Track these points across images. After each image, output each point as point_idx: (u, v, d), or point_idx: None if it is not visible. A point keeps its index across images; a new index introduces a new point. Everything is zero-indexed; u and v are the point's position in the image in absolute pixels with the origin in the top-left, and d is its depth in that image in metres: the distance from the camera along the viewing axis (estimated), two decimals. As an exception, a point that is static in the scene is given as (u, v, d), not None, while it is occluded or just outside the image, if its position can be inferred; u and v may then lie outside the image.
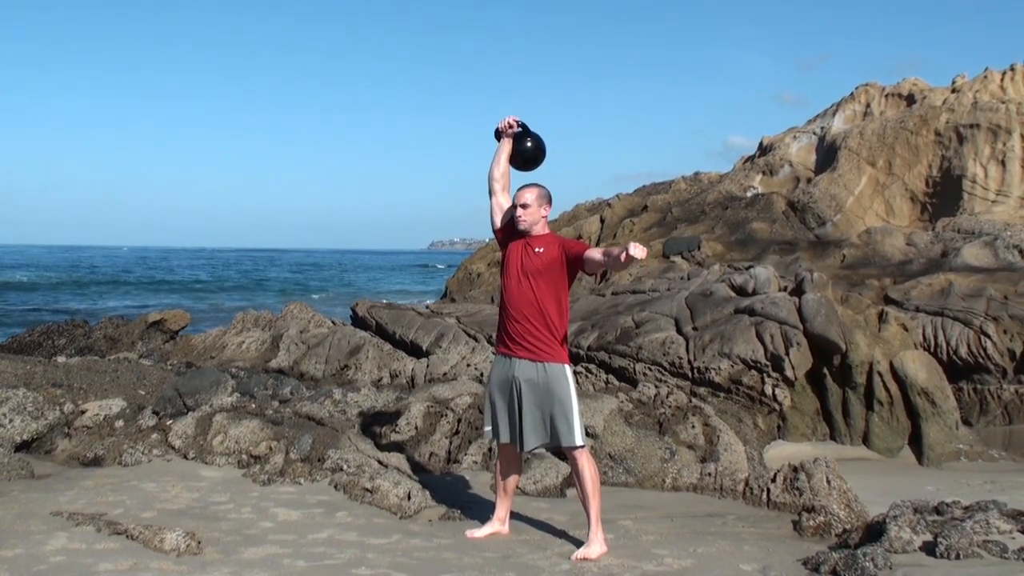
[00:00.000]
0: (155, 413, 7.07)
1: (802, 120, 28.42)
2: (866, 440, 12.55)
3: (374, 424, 7.17)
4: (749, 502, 5.94)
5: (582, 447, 4.63)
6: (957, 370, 14.18)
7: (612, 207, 26.91)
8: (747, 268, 15.97)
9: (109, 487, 5.55)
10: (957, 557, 4.05)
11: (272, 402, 7.61)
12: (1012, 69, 24.72)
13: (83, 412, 7.21)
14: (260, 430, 6.37)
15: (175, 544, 4.34)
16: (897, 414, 12.53)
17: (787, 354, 12.31)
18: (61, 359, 10.52)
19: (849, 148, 24.01)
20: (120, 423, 7.03)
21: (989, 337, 14.17)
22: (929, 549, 4.20)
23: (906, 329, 13.76)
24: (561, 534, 4.98)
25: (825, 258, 20.32)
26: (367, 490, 5.57)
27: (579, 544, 4.66)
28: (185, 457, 6.25)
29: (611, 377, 13.17)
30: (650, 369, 12.96)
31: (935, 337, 14.62)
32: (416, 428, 7.07)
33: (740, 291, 14.59)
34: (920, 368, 12.69)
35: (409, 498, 5.49)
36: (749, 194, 25.27)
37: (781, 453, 11.46)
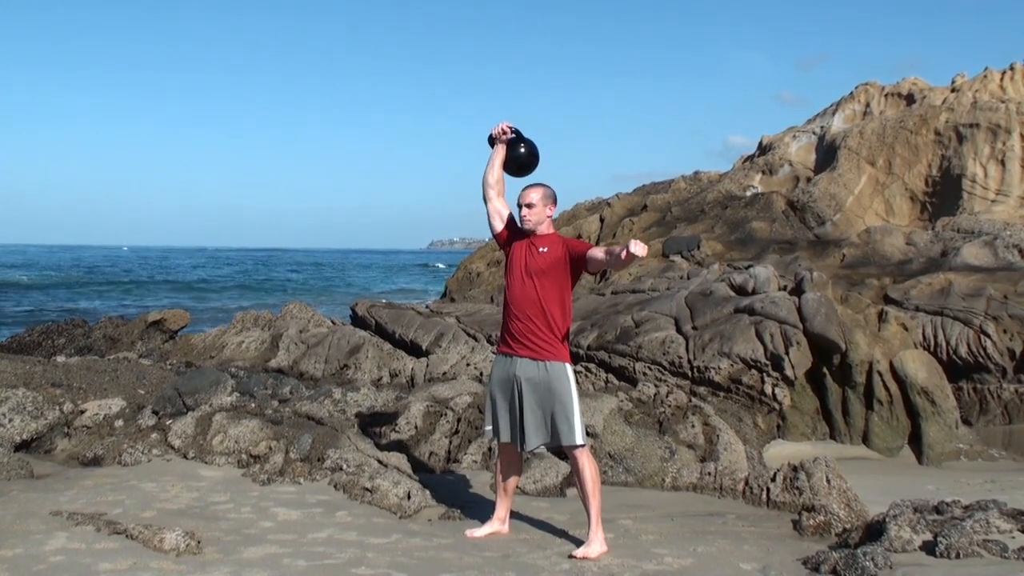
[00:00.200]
0: (155, 413, 7.07)
1: (802, 120, 28.44)
2: (866, 439, 12.55)
3: (374, 424, 7.17)
4: (749, 501, 5.94)
5: (582, 446, 4.63)
6: (957, 369, 14.17)
7: (612, 206, 26.91)
8: (747, 267, 15.97)
9: (109, 487, 5.55)
10: (957, 556, 4.05)
11: (272, 402, 7.60)
12: (1012, 69, 24.73)
13: (83, 412, 7.20)
14: (260, 430, 6.37)
15: (175, 544, 4.34)
16: (897, 413, 12.53)
17: (787, 353, 12.31)
18: (61, 359, 10.52)
19: (849, 147, 24.01)
20: (120, 423, 7.03)
21: (989, 336, 14.17)
22: (929, 548, 4.20)
23: (906, 328, 13.76)
24: (561, 533, 4.98)
25: (825, 257, 20.32)
26: (367, 490, 5.57)
27: (579, 543, 4.66)
28: (185, 457, 6.24)
29: (611, 376, 13.17)
30: (650, 368, 12.96)
31: (935, 336, 14.61)
32: (416, 427, 7.07)
33: (740, 290, 14.59)
34: (920, 367, 12.69)
35: (409, 498, 5.49)
36: (749, 193, 25.27)
37: (781, 452, 11.46)
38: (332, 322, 16.99)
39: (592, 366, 13.53)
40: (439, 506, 5.53)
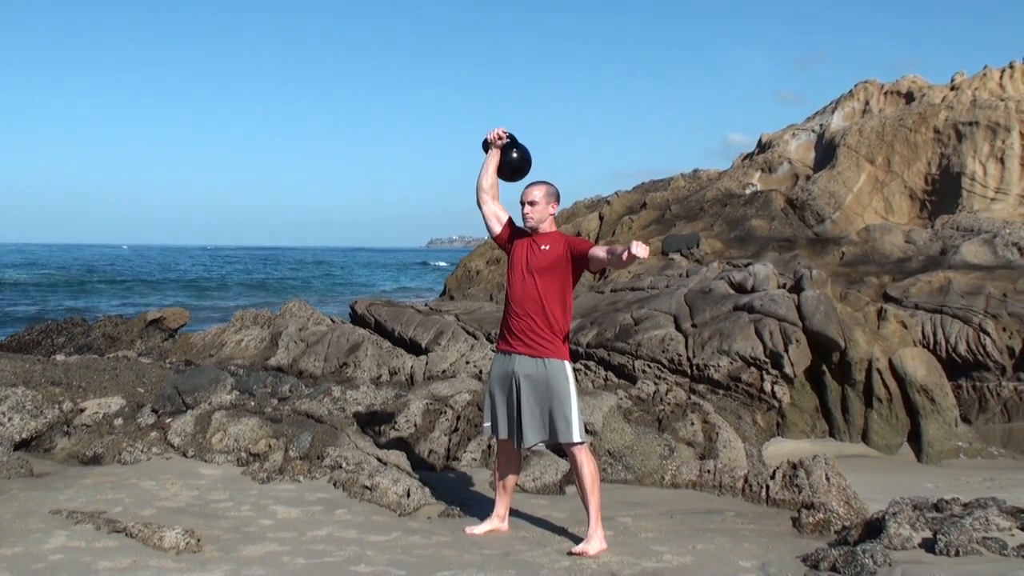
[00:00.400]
0: (154, 411, 7.07)
1: (801, 118, 28.44)
2: (865, 437, 12.56)
3: (373, 421, 7.17)
4: (748, 499, 5.94)
5: (581, 444, 4.63)
6: (956, 367, 14.17)
7: (611, 204, 26.90)
8: (746, 265, 15.97)
9: (108, 485, 5.55)
10: (956, 554, 4.05)
11: (271, 400, 7.60)
12: (1011, 67, 24.72)
13: (82, 410, 7.21)
14: (259, 428, 6.37)
15: (174, 542, 4.34)
16: (896, 411, 12.54)
17: (786, 351, 12.32)
18: (60, 357, 10.52)
19: (848, 145, 24.00)
20: (119, 421, 7.03)
21: (988, 334, 14.18)
22: (928, 546, 4.21)
23: (905, 326, 13.77)
24: (560, 531, 4.98)
25: (824, 255, 20.32)
26: (366, 487, 5.57)
27: (579, 541, 4.66)
28: (184, 455, 6.25)
29: (610, 374, 13.17)
30: (649, 366, 12.96)
31: (934, 334, 14.61)
32: (415, 425, 7.07)
33: (739, 288, 14.59)
34: (919, 365, 12.69)
35: (408, 495, 5.49)
36: (748, 191, 25.26)
37: (780, 450, 11.47)
38: (331, 320, 16.99)
39: (591, 364, 13.54)
40: (438, 504, 5.53)
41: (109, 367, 9.11)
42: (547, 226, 4.83)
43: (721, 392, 12.35)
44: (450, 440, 6.99)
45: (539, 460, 6.34)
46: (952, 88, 24.89)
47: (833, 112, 26.78)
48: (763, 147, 27.66)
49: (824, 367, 12.73)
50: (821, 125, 26.53)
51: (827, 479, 5.62)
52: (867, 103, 26.54)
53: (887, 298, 16.18)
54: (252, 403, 7.19)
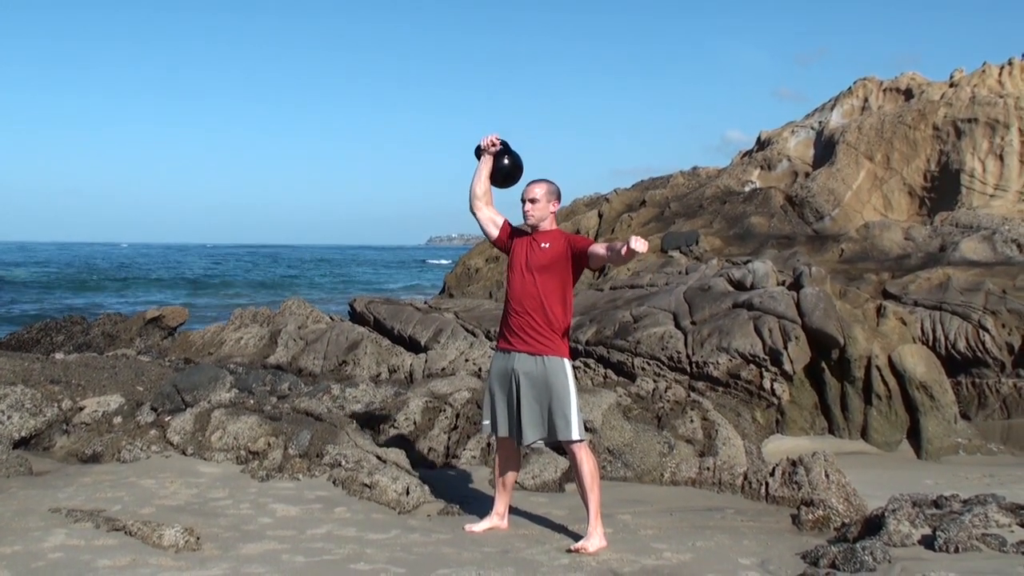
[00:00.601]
0: (153, 409, 7.06)
1: (800, 115, 28.42)
2: (864, 434, 12.57)
3: (373, 419, 7.17)
4: (748, 496, 5.94)
5: (581, 441, 4.63)
6: (955, 364, 14.18)
7: (610, 202, 26.89)
8: (745, 262, 15.97)
9: (107, 483, 5.55)
10: (956, 550, 4.05)
11: (270, 398, 7.60)
12: (1010, 63, 24.70)
13: (81, 409, 7.20)
14: (258, 426, 6.37)
15: (174, 540, 4.34)
16: (895, 408, 12.54)
17: (785, 348, 12.32)
18: (59, 356, 10.51)
19: (847, 142, 23.98)
20: (118, 419, 7.02)
21: (987, 331, 14.18)
22: (928, 542, 4.21)
23: (904, 323, 13.77)
24: (560, 529, 4.98)
25: (823, 252, 20.31)
26: (366, 485, 5.57)
27: (578, 538, 4.66)
28: (183, 453, 6.24)
29: (609, 372, 13.17)
30: (648, 363, 12.96)
31: (933, 331, 14.61)
32: (415, 423, 7.06)
33: (738, 285, 14.59)
34: (918, 362, 12.70)
35: (408, 493, 5.49)
36: (747, 188, 25.25)
37: (779, 447, 11.47)
38: (331, 318, 16.99)
39: (591, 361, 13.53)
40: (438, 501, 5.53)
41: (108, 365, 9.10)
42: (548, 224, 4.83)
43: (720, 389, 12.35)
44: (449, 438, 6.99)
45: (538, 458, 6.34)
46: (951, 85, 24.88)
47: (832, 109, 26.76)
48: (762, 144, 27.65)
49: (823, 364, 12.73)
50: (820, 122, 26.52)
51: (826, 476, 5.62)
52: (866, 100, 26.52)
53: (886, 295, 16.18)
54: (251, 401, 7.18)
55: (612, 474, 6.37)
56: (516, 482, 5.34)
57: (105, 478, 5.68)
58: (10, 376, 7.72)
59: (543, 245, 4.75)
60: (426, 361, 12.83)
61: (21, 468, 5.89)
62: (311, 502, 5.33)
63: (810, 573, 4.12)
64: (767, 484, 5.90)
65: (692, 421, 7.02)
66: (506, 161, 4.99)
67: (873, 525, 4.56)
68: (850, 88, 27.21)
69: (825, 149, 25.19)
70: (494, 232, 4.96)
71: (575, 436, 4.60)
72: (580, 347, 13.79)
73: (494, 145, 4.94)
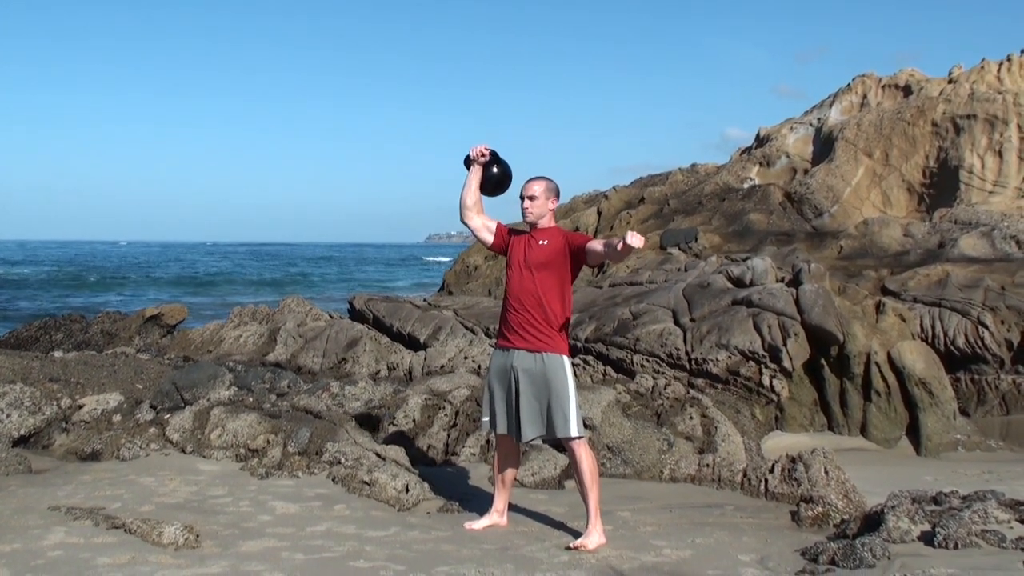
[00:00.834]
0: (153, 407, 7.06)
1: (799, 112, 28.39)
2: (864, 431, 12.57)
3: (372, 417, 7.16)
4: (747, 493, 5.94)
5: (580, 438, 4.63)
6: (955, 360, 14.19)
7: (609, 199, 26.89)
8: (744, 259, 15.96)
9: (107, 481, 5.55)
10: (955, 547, 4.05)
11: (269, 396, 7.60)
12: (1008, 60, 24.69)
13: (80, 407, 7.20)
14: (258, 424, 6.37)
15: (173, 538, 4.34)
16: (895, 404, 12.55)
17: (785, 345, 12.32)
18: (58, 354, 10.51)
19: (846, 139, 23.98)
20: (118, 417, 7.02)
21: (986, 327, 14.19)
22: (927, 539, 4.21)
23: (904, 320, 13.77)
24: (559, 526, 4.98)
25: (822, 249, 20.32)
26: (365, 483, 5.57)
27: (578, 535, 4.66)
28: (183, 451, 6.24)
29: (609, 369, 13.17)
30: (648, 360, 12.96)
31: (932, 327, 14.62)
32: (414, 421, 7.06)
33: (737, 282, 14.59)
34: (918, 359, 12.70)
35: (407, 491, 5.49)
36: (746, 185, 25.25)
37: (779, 444, 11.47)
38: (330, 316, 16.99)
39: (590, 358, 13.54)
40: (437, 499, 5.53)
41: (107, 363, 9.10)
42: (546, 221, 4.83)
43: (720, 386, 12.35)
44: (449, 435, 6.99)
45: (538, 455, 6.34)
46: (950, 81, 24.87)
47: (831, 106, 26.76)
48: (761, 141, 27.65)
49: (823, 361, 12.74)
50: (819, 119, 26.52)
51: (826, 473, 5.62)
52: (865, 97, 26.52)
53: (885, 291, 16.18)
54: (250, 399, 7.18)
55: (611, 471, 6.37)
56: (515, 479, 5.34)
57: (104, 476, 5.69)
58: (9, 374, 7.72)
59: (541, 242, 4.75)
60: (425, 358, 12.83)
61: (20, 466, 5.89)
62: (310, 499, 5.33)
63: (809, 569, 4.12)
64: (766, 481, 5.90)
65: (691, 418, 7.02)
66: (495, 170, 4.98)
67: (872, 521, 4.56)
68: (849, 85, 27.20)
69: (824, 146, 25.18)
70: (489, 238, 4.95)
71: (574, 433, 4.60)
72: (579, 344, 13.79)
73: (484, 155, 4.94)
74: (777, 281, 14.35)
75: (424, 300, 19.32)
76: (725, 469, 6.19)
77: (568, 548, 4.51)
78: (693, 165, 29.17)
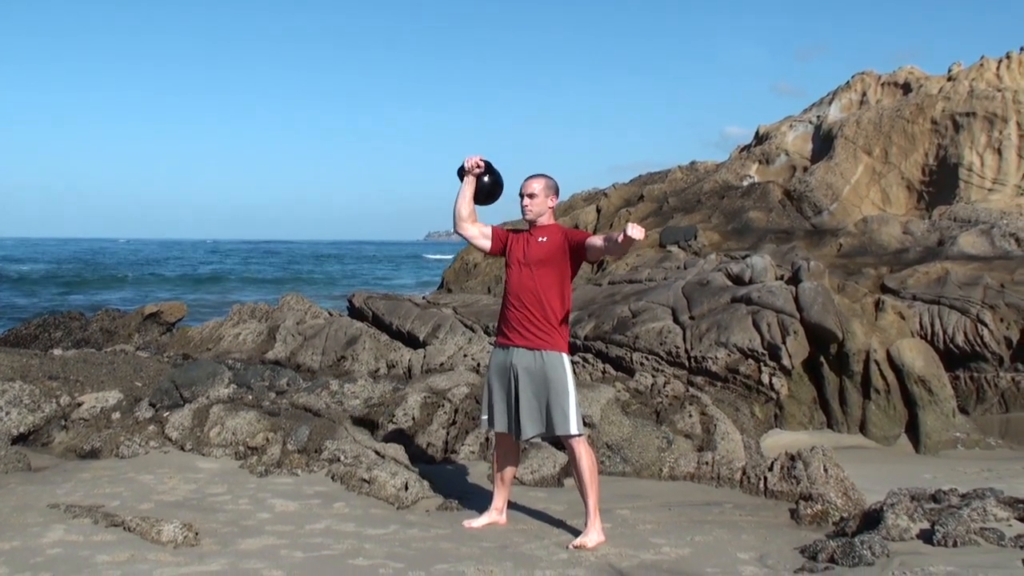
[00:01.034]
0: (152, 405, 7.06)
1: (798, 110, 28.38)
2: (863, 428, 12.58)
3: (371, 415, 7.16)
4: (746, 491, 5.94)
5: (579, 436, 4.63)
6: (954, 358, 14.19)
7: (608, 197, 26.88)
8: (744, 257, 15.97)
9: (106, 479, 5.55)
10: (954, 544, 4.05)
11: (269, 393, 7.60)
12: (1008, 57, 24.68)
13: (80, 404, 7.20)
14: (257, 421, 6.37)
15: (172, 536, 4.34)
16: (894, 402, 12.55)
17: (784, 343, 12.32)
18: (57, 351, 10.51)
19: (845, 137, 23.97)
20: (117, 415, 7.02)
21: (986, 325, 14.19)
22: (926, 537, 4.21)
23: (903, 317, 13.77)
24: (559, 524, 4.98)
25: (821, 247, 20.32)
26: (364, 481, 5.57)
27: (577, 533, 4.66)
28: (182, 449, 6.24)
29: (608, 367, 13.18)
30: (647, 358, 12.96)
31: (932, 325, 14.62)
32: (413, 419, 7.06)
33: (737, 280, 14.59)
34: (917, 356, 12.70)
35: (406, 488, 5.49)
36: (745, 183, 25.24)
37: (778, 442, 11.48)
38: (329, 313, 16.98)
39: (589, 356, 13.54)
40: (436, 497, 5.53)
41: (107, 361, 9.09)
42: (546, 219, 4.83)
43: (719, 384, 12.36)
44: (448, 433, 6.99)
45: (537, 453, 6.34)
46: (949, 79, 24.86)
47: (830, 103, 26.74)
48: (760, 139, 27.63)
49: (822, 358, 12.74)
50: (818, 116, 26.50)
51: (825, 470, 5.62)
52: (864, 94, 26.50)
53: (885, 289, 16.18)
54: (250, 397, 7.18)
55: (611, 469, 6.37)
56: (515, 477, 5.34)
57: (104, 474, 5.68)
58: (8, 372, 7.72)
59: (540, 239, 4.75)
60: (424, 356, 12.82)
61: (19, 464, 5.88)
62: (310, 497, 5.33)
63: (809, 567, 4.12)
64: (766, 479, 5.91)
65: (691, 416, 7.02)
66: (487, 179, 5.00)
67: (871, 519, 4.56)
68: (848, 82, 27.18)
69: (823, 143, 25.17)
70: (486, 244, 4.95)
71: (573, 431, 4.60)
72: (579, 342, 13.79)
73: (479, 167, 4.94)
74: (776, 279, 14.35)
75: (423, 298, 19.33)
76: (724, 467, 6.19)
77: (568, 547, 4.50)
78: (692, 163, 29.15)
